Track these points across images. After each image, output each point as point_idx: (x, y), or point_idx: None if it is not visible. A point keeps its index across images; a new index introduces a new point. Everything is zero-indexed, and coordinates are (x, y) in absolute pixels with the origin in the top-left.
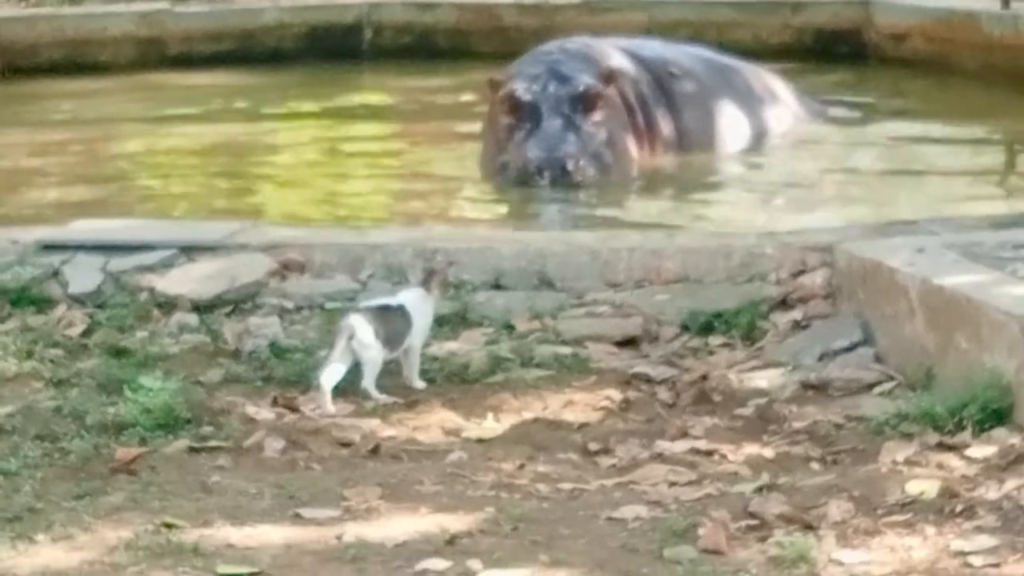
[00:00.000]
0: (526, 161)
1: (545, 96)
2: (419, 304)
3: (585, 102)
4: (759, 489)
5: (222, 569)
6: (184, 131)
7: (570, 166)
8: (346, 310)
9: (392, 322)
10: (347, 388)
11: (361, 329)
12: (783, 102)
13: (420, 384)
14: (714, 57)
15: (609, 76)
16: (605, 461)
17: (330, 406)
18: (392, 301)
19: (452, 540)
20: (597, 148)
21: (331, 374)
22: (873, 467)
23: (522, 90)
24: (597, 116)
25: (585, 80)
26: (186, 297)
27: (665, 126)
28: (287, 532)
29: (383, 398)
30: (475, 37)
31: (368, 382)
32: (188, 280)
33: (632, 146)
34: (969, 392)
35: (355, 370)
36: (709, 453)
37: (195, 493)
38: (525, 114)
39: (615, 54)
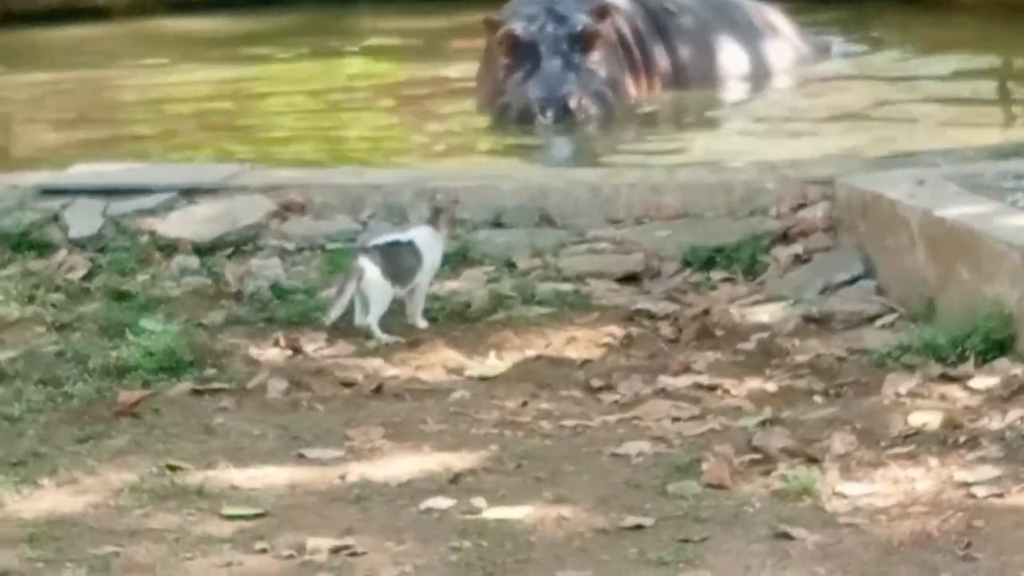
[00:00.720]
0: (528, 101)
1: (544, 36)
2: (429, 242)
3: (584, 41)
4: (762, 423)
5: (227, 511)
6: (183, 75)
7: (572, 104)
8: (356, 249)
9: (402, 258)
10: (348, 328)
11: (370, 270)
12: (784, 37)
13: (423, 323)
14: None
15: (604, 12)
16: (608, 397)
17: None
18: (403, 237)
19: (456, 478)
20: (598, 86)
21: (340, 313)
22: (876, 399)
23: (520, 30)
24: (596, 55)
25: (583, 19)
26: (187, 240)
27: (662, 62)
28: (291, 473)
29: (385, 337)
30: None
31: (372, 319)
32: (189, 223)
33: (630, 83)
34: (971, 323)
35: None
36: (712, 388)
37: (199, 435)
38: (524, 54)
39: None
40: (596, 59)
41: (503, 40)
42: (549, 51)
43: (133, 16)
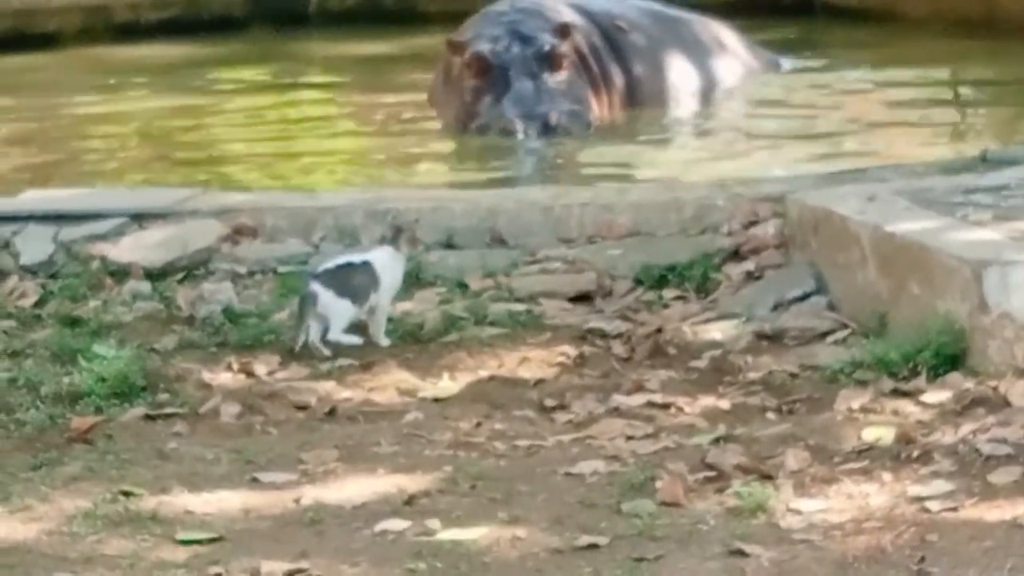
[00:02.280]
0: (507, 121)
1: (512, 57)
2: (388, 262)
3: (551, 61)
4: (716, 440)
5: (181, 536)
6: (133, 100)
7: (552, 121)
8: (306, 274)
9: (356, 279)
10: (302, 351)
11: (323, 294)
12: (734, 53)
13: (385, 341)
14: (662, 10)
15: (565, 31)
16: (561, 417)
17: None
18: (356, 258)
19: (410, 500)
20: (569, 103)
21: (304, 339)
22: (829, 415)
23: (488, 52)
24: (563, 74)
25: (548, 39)
26: (138, 264)
27: (618, 79)
28: (245, 497)
29: (352, 339)
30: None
31: (335, 334)
32: (140, 247)
33: (592, 99)
34: (923, 338)
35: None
36: (665, 406)
37: (152, 460)
38: (495, 76)
39: (565, 9)
40: (563, 78)
41: (471, 62)
42: (519, 72)
43: (82, 43)
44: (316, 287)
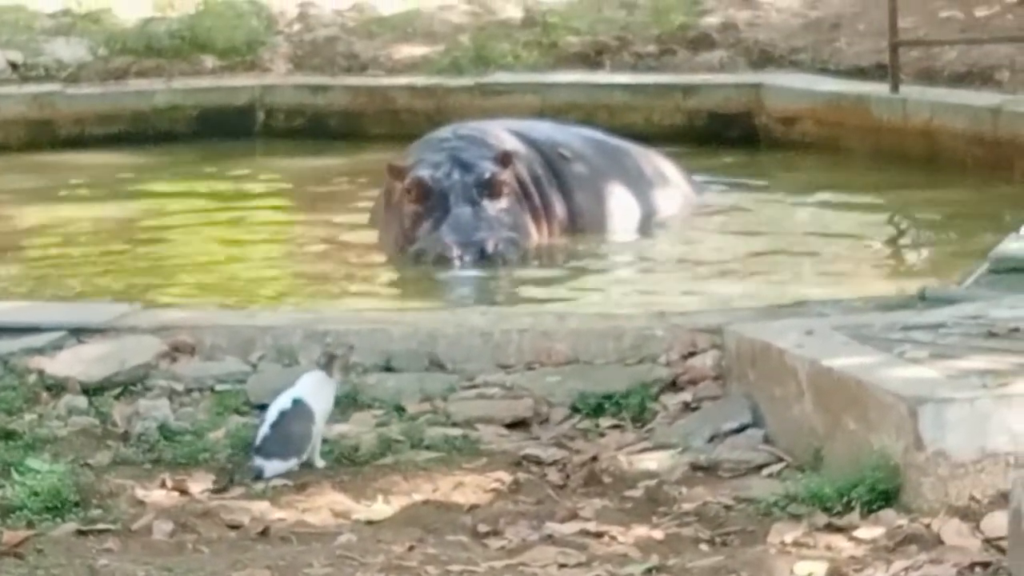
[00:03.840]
0: (444, 247)
1: (451, 184)
2: (319, 388)
3: (490, 188)
4: (648, 571)
5: None
6: (74, 211)
7: (489, 248)
8: (249, 452)
9: (295, 425)
10: (237, 470)
11: (270, 467)
12: (673, 183)
13: (321, 463)
14: (604, 139)
15: (506, 159)
16: (495, 543)
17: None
18: (286, 404)
19: None
20: (507, 231)
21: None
22: (762, 548)
23: (428, 178)
24: (503, 201)
25: (488, 167)
26: (75, 379)
27: (559, 207)
28: None
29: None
30: (367, 119)
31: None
32: (77, 362)
33: (532, 227)
34: (857, 473)
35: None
36: (599, 535)
37: None
38: (434, 202)
39: (508, 137)
40: (503, 205)
41: (411, 187)
42: (458, 198)
43: (26, 151)
44: (261, 464)
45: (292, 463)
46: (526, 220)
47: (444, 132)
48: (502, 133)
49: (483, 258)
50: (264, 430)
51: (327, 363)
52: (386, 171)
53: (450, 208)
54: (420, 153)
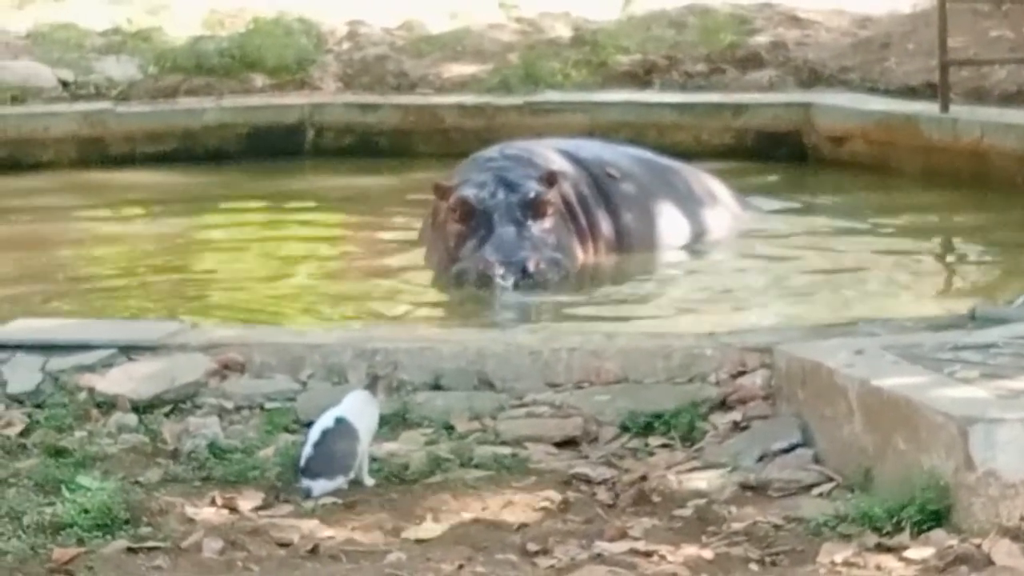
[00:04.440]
0: (486, 265)
1: (496, 203)
2: (363, 407)
3: (535, 208)
4: None
5: None
6: (125, 230)
7: (531, 267)
8: (298, 478)
9: (339, 444)
10: (286, 487)
11: (317, 487)
12: (722, 203)
13: (370, 481)
14: (652, 158)
15: (552, 179)
16: (544, 562)
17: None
18: (329, 423)
19: None
20: (551, 251)
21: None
22: (812, 568)
23: (473, 198)
24: (547, 221)
25: (533, 187)
26: (125, 397)
27: (605, 227)
28: None
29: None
30: (417, 138)
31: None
32: (127, 380)
33: (578, 247)
34: (907, 493)
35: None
36: (648, 554)
37: None
38: (478, 221)
39: (555, 157)
40: (547, 225)
41: (455, 207)
42: (502, 218)
43: (77, 169)
44: (308, 485)
45: (339, 481)
46: (571, 240)
47: (491, 152)
48: (549, 153)
49: (525, 277)
50: (307, 450)
51: (371, 383)
52: (432, 190)
53: (494, 228)
54: (466, 173)
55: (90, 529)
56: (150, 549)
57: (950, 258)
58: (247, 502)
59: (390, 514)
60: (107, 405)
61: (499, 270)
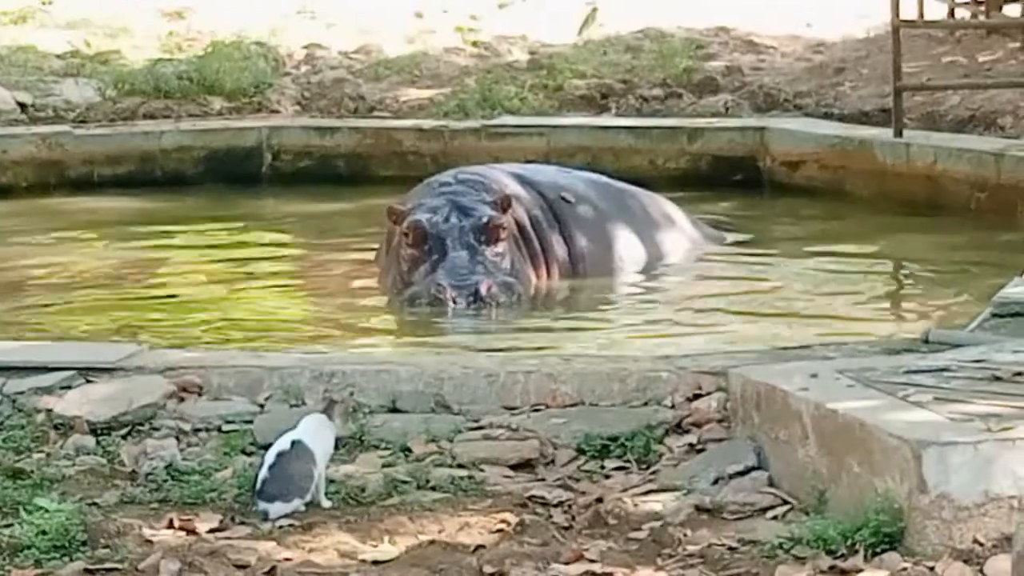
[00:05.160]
0: (438, 289)
1: (449, 228)
2: (319, 430)
3: (488, 233)
4: None
5: None
6: (83, 253)
7: (483, 291)
8: (255, 500)
9: (295, 466)
10: (243, 509)
11: (274, 510)
12: (678, 227)
13: (326, 503)
14: (608, 182)
15: (506, 204)
16: None
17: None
18: (285, 446)
19: None
20: (503, 275)
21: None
22: None
23: (426, 222)
24: (500, 245)
25: (487, 211)
26: (83, 419)
27: (560, 250)
28: None
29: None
30: (374, 161)
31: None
32: (85, 402)
33: (531, 271)
34: (861, 516)
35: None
36: None
37: None
38: (431, 246)
39: (509, 181)
40: (500, 250)
41: (409, 231)
42: (455, 242)
43: (35, 193)
44: (265, 508)
45: (296, 504)
46: (524, 264)
47: (445, 176)
48: (503, 177)
49: (477, 301)
50: (263, 473)
51: (328, 407)
52: (386, 214)
53: (447, 252)
54: (420, 197)
55: (48, 551)
56: (108, 571)
57: (904, 282)
58: (204, 524)
59: (347, 536)
60: (65, 427)
61: (451, 293)
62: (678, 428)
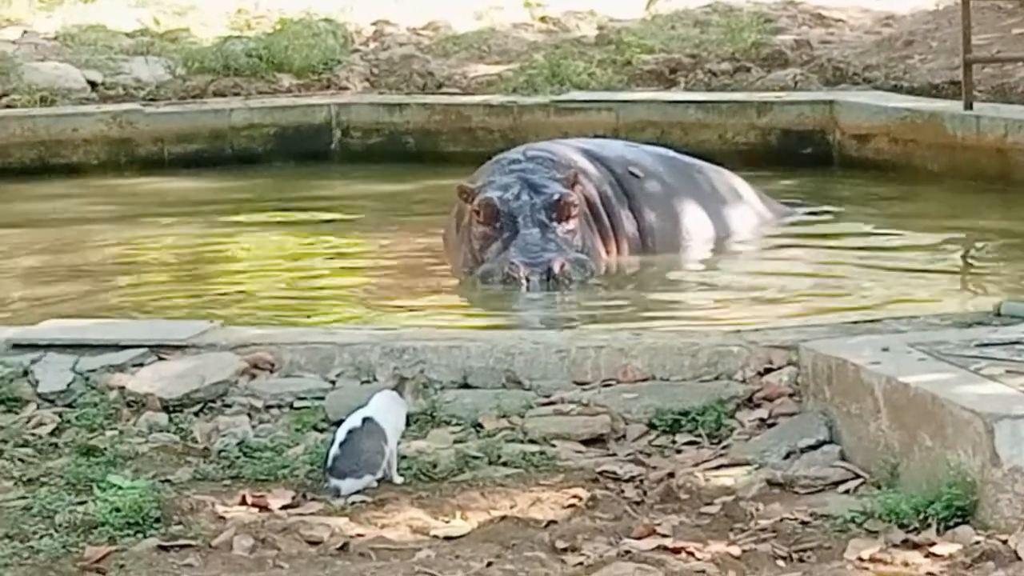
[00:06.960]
0: (511, 267)
1: (520, 205)
2: (390, 407)
3: (559, 210)
4: None
5: None
6: (155, 231)
7: (556, 269)
8: (326, 477)
9: (366, 443)
10: (315, 485)
11: (345, 486)
12: (747, 201)
13: (399, 479)
14: (677, 157)
15: (575, 180)
16: (572, 559)
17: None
18: (355, 423)
19: None
20: (575, 252)
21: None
22: (838, 565)
23: (497, 200)
24: (571, 222)
25: (557, 188)
26: (155, 396)
27: (629, 226)
28: None
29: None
30: (443, 137)
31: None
32: (158, 379)
33: (601, 247)
34: (934, 490)
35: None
36: (676, 551)
37: None
38: (503, 223)
39: (578, 157)
40: (571, 227)
41: (480, 209)
42: (527, 220)
43: (106, 171)
44: (336, 485)
45: (367, 480)
46: (595, 241)
47: (514, 153)
48: (572, 153)
49: (550, 279)
50: (334, 450)
51: (399, 384)
52: (456, 192)
53: (519, 230)
54: (490, 175)
55: (121, 528)
56: (181, 547)
57: (974, 255)
58: (277, 500)
59: (419, 512)
60: (137, 404)
61: (525, 271)
62: (749, 402)
